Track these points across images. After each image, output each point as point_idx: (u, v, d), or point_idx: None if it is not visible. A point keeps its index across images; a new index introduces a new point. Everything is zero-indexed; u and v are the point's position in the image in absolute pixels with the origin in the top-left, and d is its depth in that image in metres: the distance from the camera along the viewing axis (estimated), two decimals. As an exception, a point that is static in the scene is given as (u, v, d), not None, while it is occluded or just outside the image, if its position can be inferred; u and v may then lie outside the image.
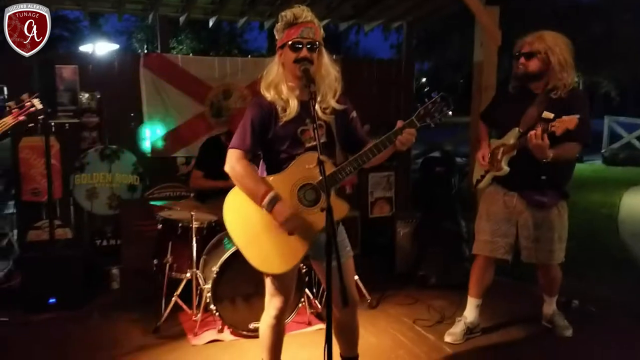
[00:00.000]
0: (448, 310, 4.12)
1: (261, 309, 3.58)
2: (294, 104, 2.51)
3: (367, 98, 6.03)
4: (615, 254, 5.98)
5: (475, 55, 5.32)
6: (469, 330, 3.68)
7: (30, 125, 2.93)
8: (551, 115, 3.19)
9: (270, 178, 2.54)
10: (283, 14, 2.52)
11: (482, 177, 3.65)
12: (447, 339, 3.64)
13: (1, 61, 4.57)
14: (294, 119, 2.52)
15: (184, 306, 3.90)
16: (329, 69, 2.60)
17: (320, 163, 2.27)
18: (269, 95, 2.54)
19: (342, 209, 2.54)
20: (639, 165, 14.05)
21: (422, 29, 12.70)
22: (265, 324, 2.77)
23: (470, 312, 3.71)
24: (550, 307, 3.81)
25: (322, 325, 3.87)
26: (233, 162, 2.52)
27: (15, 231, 5.27)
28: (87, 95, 5.14)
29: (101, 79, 5.19)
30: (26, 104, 2.74)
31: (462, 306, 3.81)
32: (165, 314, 3.83)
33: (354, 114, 2.73)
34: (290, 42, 2.47)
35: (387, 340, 3.69)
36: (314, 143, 2.51)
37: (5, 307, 4.07)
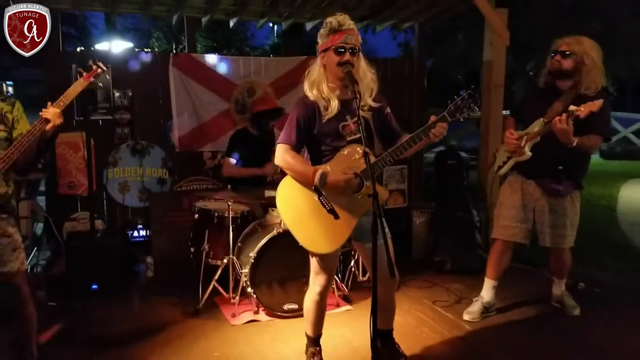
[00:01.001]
0: (464, 293, 4.44)
1: (295, 291, 3.98)
2: (335, 103, 2.82)
3: (381, 95, 6.29)
4: (616, 242, 6.31)
5: (484, 54, 5.62)
6: (485, 309, 3.99)
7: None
8: (576, 109, 3.50)
9: (319, 167, 2.84)
10: (328, 20, 2.81)
11: (504, 163, 3.94)
12: (466, 317, 3.95)
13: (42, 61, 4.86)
14: (335, 116, 2.82)
15: (222, 290, 4.19)
16: (365, 72, 2.90)
17: (365, 154, 2.57)
18: (312, 94, 2.85)
19: (383, 194, 2.84)
20: (635, 159, 14.42)
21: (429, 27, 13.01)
22: (309, 299, 3.07)
23: (487, 292, 4.02)
24: (559, 288, 4.13)
25: (350, 307, 4.20)
26: (282, 154, 2.83)
27: (40, 224, 5.47)
28: (119, 93, 5.42)
29: (133, 78, 5.47)
30: (93, 67, 2.96)
31: (477, 289, 4.12)
32: (205, 297, 4.13)
33: (389, 109, 3.04)
34: (334, 47, 2.76)
35: (411, 319, 4.00)
36: (355, 137, 2.85)
37: (50, 294, 4.34)
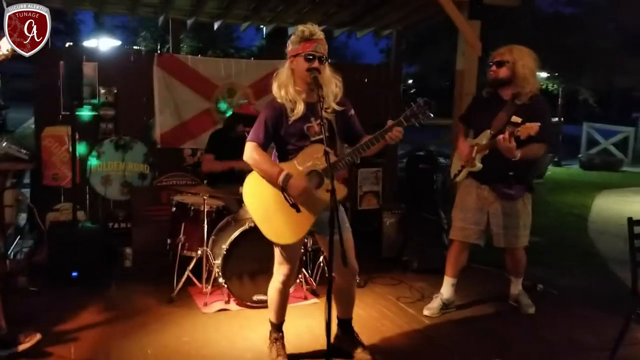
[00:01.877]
0: (428, 291, 4.66)
1: (264, 283, 4.14)
2: (300, 106, 3.05)
3: (357, 100, 6.50)
4: (582, 249, 6.57)
5: (457, 64, 5.87)
6: (445, 306, 4.23)
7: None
8: (519, 120, 3.78)
9: (283, 164, 3.07)
10: (301, 29, 3.04)
11: (459, 171, 4.20)
12: (426, 312, 4.18)
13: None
14: (301, 118, 3.05)
15: (195, 280, 4.39)
16: (330, 78, 3.14)
17: (326, 153, 2.80)
18: (280, 95, 3.07)
19: (342, 191, 3.05)
20: (614, 170, 14.79)
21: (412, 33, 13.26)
22: (273, 288, 3.29)
23: (447, 290, 4.25)
24: (516, 287, 4.37)
25: (316, 300, 4.41)
26: (250, 151, 3.05)
27: (24, 214, 5.65)
28: (104, 90, 5.60)
29: (118, 75, 5.67)
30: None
31: (440, 287, 4.34)
32: (179, 287, 4.32)
33: (352, 112, 3.27)
34: (305, 54, 2.99)
35: (373, 313, 4.22)
36: (319, 137, 3.07)
37: (31, 280, 4.51)
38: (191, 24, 6.61)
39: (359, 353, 3.40)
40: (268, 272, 4.10)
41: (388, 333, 3.87)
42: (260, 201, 3.10)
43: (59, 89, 5.36)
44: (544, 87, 14.36)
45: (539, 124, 3.60)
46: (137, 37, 17.09)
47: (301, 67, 3.01)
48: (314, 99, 3.03)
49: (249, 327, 3.88)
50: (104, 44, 10.05)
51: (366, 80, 6.69)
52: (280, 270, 3.24)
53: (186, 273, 4.34)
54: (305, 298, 4.43)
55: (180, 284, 4.33)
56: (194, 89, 5.85)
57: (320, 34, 3.04)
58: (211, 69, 5.94)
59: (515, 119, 3.80)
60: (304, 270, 4.51)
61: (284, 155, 3.14)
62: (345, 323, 3.47)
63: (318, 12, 6.46)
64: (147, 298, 4.37)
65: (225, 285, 4.13)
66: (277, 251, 3.21)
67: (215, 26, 6.79)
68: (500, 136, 3.71)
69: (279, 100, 3.09)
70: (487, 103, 4.07)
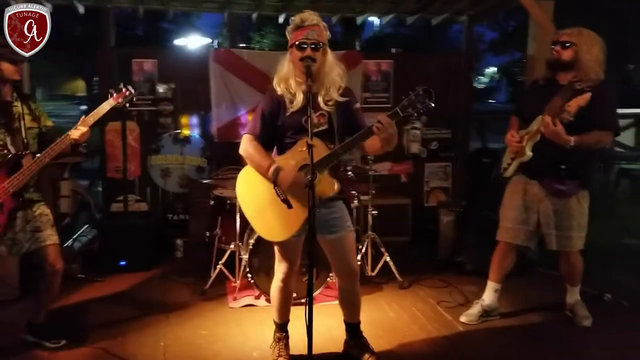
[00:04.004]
0: (477, 296, 4.26)
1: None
2: (300, 97, 2.89)
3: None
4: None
5: (528, 49, 5.40)
6: (486, 313, 3.86)
7: (123, 107, 3.45)
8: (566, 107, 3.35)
9: (277, 158, 2.94)
10: (293, 18, 2.90)
11: (509, 164, 3.81)
12: (463, 319, 3.85)
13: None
14: (300, 110, 2.89)
15: (228, 274, 4.37)
16: (332, 66, 2.95)
17: (309, 147, 2.61)
18: (279, 88, 2.94)
19: (330, 187, 2.85)
20: None
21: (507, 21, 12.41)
22: (274, 286, 3.17)
23: (489, 296, 3.88)
24: (572, 296, 3.89)
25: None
26: (245, 144, 2.95)
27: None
28: (164, 85, 5.76)
29: (176, 71, 5.80)
30: (123, 89, 3.30)
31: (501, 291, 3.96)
32: (211, 280, 4.32)
33: (357, 105, 3.06)
34: (297, 43, 2.83)
35: (405, 316, 3.96)
36: (317, 129, 2.90)
37: (82, 267, 4.73)
38: (255, 18, 6.62)
39: (366, 359, 3.18)
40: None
41: (412, 338, 3.61)
42: (253, 196, 2.98)
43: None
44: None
45: (590, 93, 3.24)
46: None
47: (296, 57, 2.87)
48: (314, 90, 2.89)
49: (269, 324, 3.73)
50: (193, 41, 10.43)
51: (434, 70, 6.30)
52: (279, 268, 3.11)
53: (218, 267, 4.33)
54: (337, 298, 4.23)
55: (213, 277, 4.33)
56: (249, 83, 5.83)
57: (312, 20, 2.86)
58: (267, 62, 5.85)
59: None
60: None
61: (282, 149, 3.00)
62: (352, 327, 3.27)
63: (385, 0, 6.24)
64: (183, 290, 4.43)
65: (252, 280, 4.06)
66: (275, 249, 3.08)
67: (281, 19, 6.74)
68: (545, 117, 3.33)
69: (278, 92, 2.95)
70: (542, 89, 3.68)
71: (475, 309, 3.87)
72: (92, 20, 8.56)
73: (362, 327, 3.32)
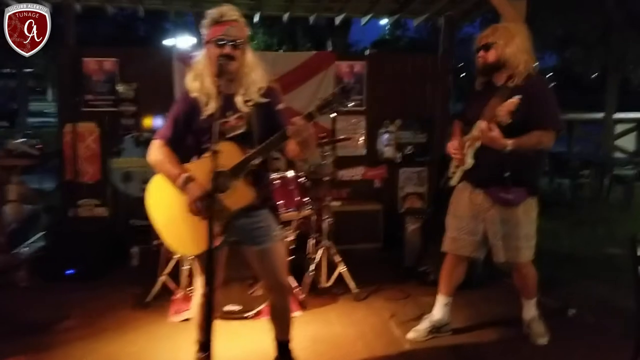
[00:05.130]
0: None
1: (238, 292, 3.87)
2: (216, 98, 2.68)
3: (400, 92, 6.01)
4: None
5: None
6: (436, 329, 3.63)
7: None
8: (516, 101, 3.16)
9: (189, 165, 2.73)
10: (210, 11, 2.69)
11: (454, 173, 3.59)
12: (410, 335, 3.61)
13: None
14: (216, 112, 2.67)
15: (172, 285, 4.18)
16: (253, 66, 2.75)
17: (214, 153, 2.41)
18: (194, 87, 2.73)
19: (246, 196, 2.64)
20: None
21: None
22: (195, 302, 2.96)
23: (438, 310, 3.65)
24: (529, 311, 3.65)
25: (299, 313, 3.98)
26: (154, 150, 2.75)
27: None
28: (125, 86, 5.58)
29: (139, 71, 5.62)
30: None
31: (453, 305, 3.75)
32: (154, 291, 4.13)
33: (281, 106, 2.84)
34: (215, 39, 2.63)
35: (352, 331, 3.74)
36: (235, 133, 2.70)
37: (30, 275, 4.56)
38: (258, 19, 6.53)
39: (295, 380, 2.97)
40: (243, 280, 3.86)
41: (353, 356, 3.38)
42: (164, 205, 2.77)
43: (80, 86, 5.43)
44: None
45: (519, 96, 3.05)
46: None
47: (213, 55, 2.65)
48: (232, 90, 2.69)
49: (203, 340, 3.57)
50: (182, 42, 10.25)
51: (410, 71, 6.07)
52: (198, 282, 2.90)
53: (162, 277, 4.14)
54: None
55: (156, 288, 4.14)
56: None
57: (232, 15, 2.65)
58: (234, 63, 5.70)
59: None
60: (291, 277, 4.12)
61: (198, 155, 2.79)
62: (282, 345, 3.05)
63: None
64: (129, 301, 4.22)
65: (191, 292, 3.85)
66: (194, 262, 2.88)
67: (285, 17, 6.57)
68: (479, 124, 3.15)
69: (192, 93, 2.75)
70: (481, 93, 3.45)
71: (423, 325, 3.64)
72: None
73: (305, 342, 3.18)
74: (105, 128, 5.56)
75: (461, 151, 3.42)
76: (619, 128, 12.21)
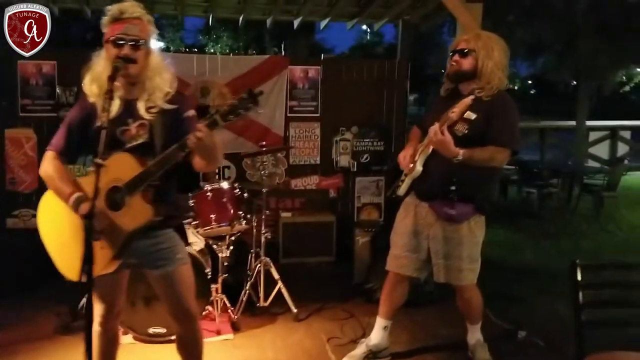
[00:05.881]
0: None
1: (164, 313, 3.58)
2: (116, 103, 2.43)
3: (356, 99, 5.78)
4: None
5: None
6: (373, 354, 3.40)
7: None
8: (473, 116, 2.97)
9: (82, 179, 2.47)
10: (109, 7, 2.43)
11: (402, 181, 3.35)
12: (345, 361, 3.38)
13: None
14: (115, 119, 2.42)
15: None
16: (158, 69, 2.51)
17: (97, 166, 2.16)
18: (92, 92, 2.48)
19: (143, 214, 2.38)
20: None
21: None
22: (92, 331, 2.68)
23: (376, 334, 3.42)
24: (473, 335, 3.43)
25: (230, 336, 3.74)
26: (45, 163, 2.50)
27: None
28: (65, 89, 5.29)
29: (80, 74, 5.31)
30: None
31: (400, 323, 3.61)
32: (78, 313, 3.82)
33: (190, 113, 2.58)
34: (113, 38, 2.37)
35: (283, 356, 3.49)
36: (137, 143, 2.45)
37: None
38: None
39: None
40: None
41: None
42: (55, 224, 2.51)
43: (17, 90, 5.12)
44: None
45: (471, 97, 2.87)
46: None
47: (111, 56, 2.39)
48: (134, 95, 2.45)
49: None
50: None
51: (366, 77, 5.84)
52: (96, 309, 2.62)
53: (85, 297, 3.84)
54: (218, 333, 3.76)
55: (79, 308, 3.84)
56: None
57: (134, 12, 2.40)
58: (182, 66, 5.43)
59: (469, 114, 2.96)
60: (224, 298, 3.88)
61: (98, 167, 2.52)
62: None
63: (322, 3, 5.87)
64: (52, 322, 3.90)
65: (115, 313, 3.58)
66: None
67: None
68: (432, 127, 2.92)
69: (89, 98, 2.49)
70: (444, 101, 3.21)
71: (360, 350, 3.41)
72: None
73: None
74: (43, 134, 5.26)
75: (412, 159, 3.20)
76: (593, 136, 12.11)
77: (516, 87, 35.33)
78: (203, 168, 2.52)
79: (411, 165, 3.19)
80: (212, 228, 3.78)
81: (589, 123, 12.18)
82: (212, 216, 3.77)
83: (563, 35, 10.25)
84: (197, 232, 3.83)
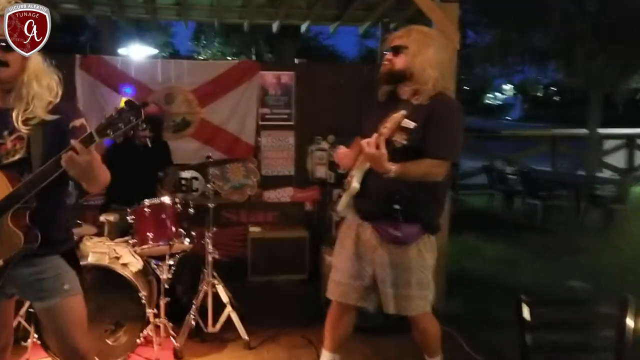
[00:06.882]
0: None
1: (94, 341, 3.27)
2: None
3: (333, 106, 5.43)
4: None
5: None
6: (321, 390, 3.02)
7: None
8: (411, 125, 2.60)
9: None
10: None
11: (339, 197, 2.98)
12: (285, 399, 3.01)
13: None
14: None
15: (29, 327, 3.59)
16: (38, 74, 2.20)
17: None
18: None
19: (12, 242, 2.06)
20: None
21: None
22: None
23: (322, 369, 3.04)
24: (432, 371, 3.03)
25: (174, 364, 3.39)
26: None
27: None
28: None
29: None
30: None
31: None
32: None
33: (77, 122, 2.26)
34: None
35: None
36: (13, 159, 2.14)
37: None
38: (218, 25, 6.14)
39: None
40: (100, 325, 3.27)
41: None
42: None
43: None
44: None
45: (402, 112, 2.50)
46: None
47: None
48: (9, 104, 2.15)
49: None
50: (136, 51, 9.76)
51: (344, 82, 5.50)
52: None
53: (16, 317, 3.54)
54: (156, 360, 3.42)
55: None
56: (123, 95, 5.10)
57: (3, 10, 2.10)
58: (145, 72, 5.17)
59: (407, 123, 2.58)
60: (166, 323, 3.55)
61: None
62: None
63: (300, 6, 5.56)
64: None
65: (39, 340, 3.26)
66: None
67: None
68: (363, 140, 2.54)
69: None
70: (382, 107, 2.85)
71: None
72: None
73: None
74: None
75: (353, 164, 2.84)
76: (609, 145, 11.58)
77: (539, 94, 34.69)
78: (90, 189, 2.20)
79: (348, 179, 2.82)
80: (149, 247, 3.46)
81: (604, 131, 11.65)
82: (149, 234, 3.45)
83: (571, 41, 9.78)
84: (135, 251, 3.51)
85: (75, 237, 3.56)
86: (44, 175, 2.04)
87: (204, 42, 15.26)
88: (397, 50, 2.70)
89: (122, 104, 2.06)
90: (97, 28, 6.18)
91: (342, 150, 2.96)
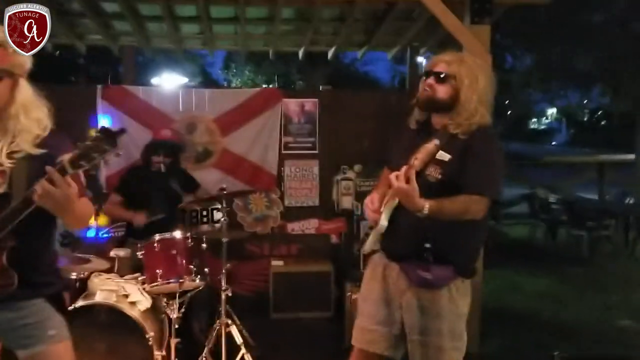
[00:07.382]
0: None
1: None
2: None
3: (360, 134, 5.24)
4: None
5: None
6: None
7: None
8: (447, 157, 2.35)
9: None
10: None
11: (367, 235, 2.73)
12: None
13: None
14: None
15: None
16: (27, 107, 2.04)
17: None
18: None
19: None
20: None
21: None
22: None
23: None
24: None
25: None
26: None
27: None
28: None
29: (57, 111, 5.04)
30: None
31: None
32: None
33: (65, 157, 2.10)
34: None
35: None
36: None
37: None
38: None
39: None
40: None
41: None
42: None
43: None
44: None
45: (436, 142, 2.25)
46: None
47: None
48: None
49: None
50: (169, 81, 9.83)
51: (373, 109, 5.31)
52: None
53: None
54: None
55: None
56: (146, 125, 5.02)
57: None
58: (166, 101, 5.10)
59: (442, 155, 2.33)
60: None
61: None
62: None
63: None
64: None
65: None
66: None
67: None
68: (392, 174, 2.30)
69: None
70: (413, 134, 2.61)
71: None
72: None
73: None
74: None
75: (379, 208, 2.59)
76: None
77: (585, 119, 33.89)
78: (69, 225, 2.04)
79: (375, 216, 2.57)
80: (157, 285, 3.28)
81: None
82: (159, 271, 3.28)
83: (615, 62, 9.40)
84: (144, 289, 3.33)
85: (84, 274, 3.48)
86: (15, 213, 1.87)
87: (234, 70, 15.44)
88: (442, 78, 2.45)
89: (94, 132, 1.88)
90: (122, 58, 6.12)
91: (368, 203, 2.69)
